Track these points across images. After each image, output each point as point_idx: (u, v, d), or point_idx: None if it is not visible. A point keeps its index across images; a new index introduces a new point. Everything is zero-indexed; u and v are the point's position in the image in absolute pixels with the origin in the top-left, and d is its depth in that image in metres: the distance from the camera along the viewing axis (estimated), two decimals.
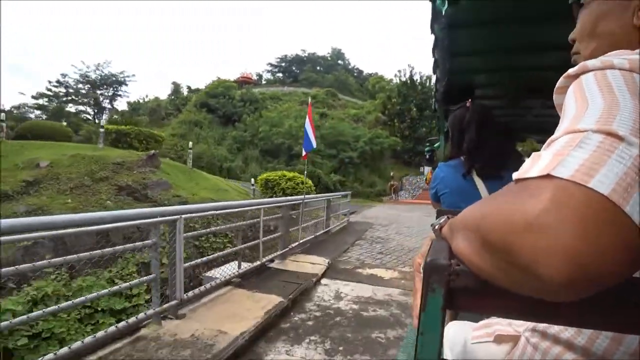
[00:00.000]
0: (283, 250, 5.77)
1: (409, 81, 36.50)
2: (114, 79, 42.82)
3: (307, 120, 6.44)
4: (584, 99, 0.40)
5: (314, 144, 6.37)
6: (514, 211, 0.32)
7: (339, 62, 67.36)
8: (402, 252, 7.21)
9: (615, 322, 0.38)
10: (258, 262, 4.99)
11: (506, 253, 0.32)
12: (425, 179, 28.40)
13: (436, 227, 0.56)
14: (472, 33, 1.87)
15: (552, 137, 0.37)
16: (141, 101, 45.34)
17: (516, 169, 0.37)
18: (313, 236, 7.36)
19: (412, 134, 34.79)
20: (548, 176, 0.32)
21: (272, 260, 5.59)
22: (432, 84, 36.50)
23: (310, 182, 12.66)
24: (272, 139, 27.73)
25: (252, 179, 13.47)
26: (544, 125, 3.28)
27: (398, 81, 37.75)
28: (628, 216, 0.28)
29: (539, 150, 0.38)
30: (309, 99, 6.33)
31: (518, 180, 0.35)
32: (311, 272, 5.17)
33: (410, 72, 36.54)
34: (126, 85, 43.92)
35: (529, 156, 0.75)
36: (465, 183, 1.59)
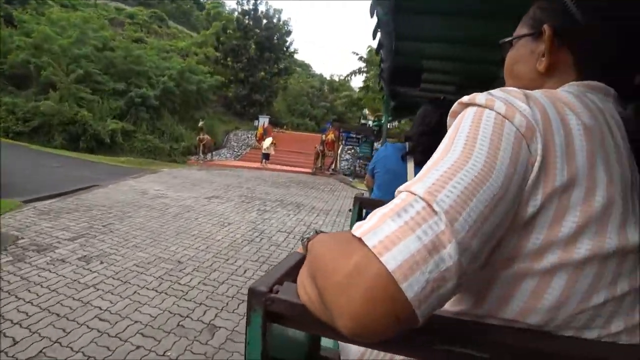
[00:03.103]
0: None
1: (252, 12, 29.14)
2: None
3: None
4: (450, 143, 0.46)
5: None
6: (333, 265, 0.39)
7: None
8: None
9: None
10: None
11: (322, 297, 0.41)
12: (256, 135, 22.48)
13: (304, 240, 0.65)
14: (419, 21, 1.90)
15: (404, 185, 0.42)
16: None
17: None
18: None
19: (249, 78, 28.08)
20: (361, 240, 0.37)
21: None
22: (281, 20, 30.24)
23: None
24: (13, 55, 16.81)
25: None
26: None
27: (240, 10, 29.88)
28: (402, 292, 0.34)
29: None
30: None
31: (351, 232, 0.39)
32: None
33: (256, 0, 29.17)
34: None
35: None
36: (400, 167, 1.67)
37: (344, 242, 0.40)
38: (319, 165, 17.62)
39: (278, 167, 18.02)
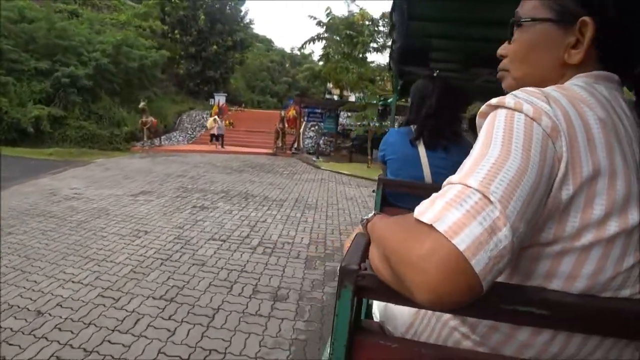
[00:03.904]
0: None
1: None
2: None
3: None
4: (489, 141, 0.52)
5: None
6: (406, 248, 0.46)
7: None
8: None
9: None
10: None
11: (397, 276, 0.48)
12: (210, 115, 20.54)
13: (364, 221, 0.73)
14: (430, 1, 1.95)
15: (453, 178, 0.49)
16: None
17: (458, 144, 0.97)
18: None
19: (201, 53, 25.69)
20: (432, 226, 0.43)
21: None
22: None
23: None
24: None
25: None
26: (491, 90, 3.21)
27: None
28: (472, 267, 0.41)
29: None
30: None
31: (416, 218, 0.46)
32: None
33: None
34: None
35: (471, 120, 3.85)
36: (411, 151, 1.68)
37: (411, 227, 0.46)
38: (280, 144, 16.18)
39: (236, 149, 16.42)
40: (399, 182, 1.71)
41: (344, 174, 11.18)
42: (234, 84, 29.31)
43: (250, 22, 29.86)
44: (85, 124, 15.25)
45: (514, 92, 0.57)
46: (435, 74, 1.80)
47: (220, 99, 22.86)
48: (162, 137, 18.09)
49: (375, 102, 13.17)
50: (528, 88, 0.57)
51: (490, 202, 0.43)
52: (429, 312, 0.74)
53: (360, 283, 0.56)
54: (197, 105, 24.33)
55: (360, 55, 12.66)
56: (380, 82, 14.23)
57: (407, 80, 3.68)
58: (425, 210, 0.45)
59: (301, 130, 18.58)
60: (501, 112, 0.55)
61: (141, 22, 25.53)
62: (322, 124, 18.06)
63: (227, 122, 20.70)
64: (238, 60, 27.69)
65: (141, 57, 18.45)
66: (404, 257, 0.45)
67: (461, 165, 0.51)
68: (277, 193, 7.52)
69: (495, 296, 0.49)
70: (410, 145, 1.68)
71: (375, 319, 1.00)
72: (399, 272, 0.47)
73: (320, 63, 14.89)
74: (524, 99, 0.54)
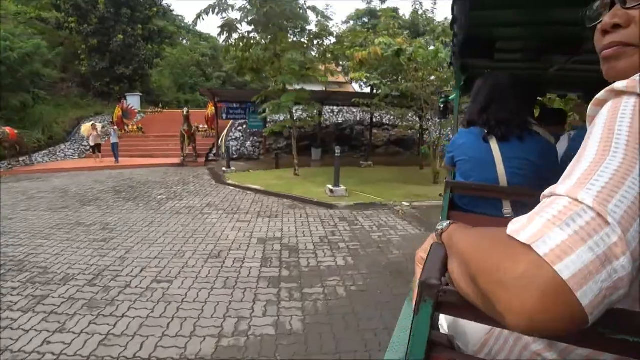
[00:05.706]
0: None
1: None
2: None
3: None
4: (609, 143, 0.41)
5: None
6: (498, 268, 0.39)
7: None
8: None
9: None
10: None
11: (486, 296, 0.40)
12: (113, 119, 15.10)
13: (439, 231, 0.64)
14: None
15: (558, 188, 0.41)
16: None
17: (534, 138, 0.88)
18: None
19: (108, 46, 21.45)
20: (530, 247, 0.37)
21: None
22: None
23: None
24: None
25: None
26: (567, 80, 3.21)
27: None
28: (578, 300, 0.34)
29: (553, 106, 2.37)
30: None
31: (510, 235, 0.40)
32: None
33: None
34: None
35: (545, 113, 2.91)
36: (484, 151, 1.58)
37: (503, 244, 0.40)
38: (190, 151, 12.78)
39: (134, 161, 12.83)
40: (469, 185, 1.60)
41: (252, 189, 8.03)
42: (156, 82, 25.24)
43: (169, 8, 25.80)
44: None
45: None
46: (488, 72, 1.68)
47: (132, 100, 19.01)
48: (43, 152, 14.13)
49: (298, 88, 10.07)
50: None
51: (607, 223, 0.36)
52: (505, 331, 0.66)
53: (442, 299, 0.53)
54: (106, 109, 20.18)
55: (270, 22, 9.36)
56: (319, 63, 11.04)
57: (471, 74, 3.38)
58: (522, 228, 0.39)
59: (225, 131, 15.23)
60: (629, 102, 0.43)
61: (34, 11, 21.03)
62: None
63: (134, 127, 16.96)
64: (154, 54, 23.59)
65: (5, 48, 14.21)
66: (497, 278, 0.39)
67: (567, 170, 0.42)
68: (83, 254, 4.17)
69: (601, 324, 0.41)
70: (482, 144, 1.57)
71: (442, 330, 0.92)
72: (489, 293, 0.40)
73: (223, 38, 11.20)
74: None
